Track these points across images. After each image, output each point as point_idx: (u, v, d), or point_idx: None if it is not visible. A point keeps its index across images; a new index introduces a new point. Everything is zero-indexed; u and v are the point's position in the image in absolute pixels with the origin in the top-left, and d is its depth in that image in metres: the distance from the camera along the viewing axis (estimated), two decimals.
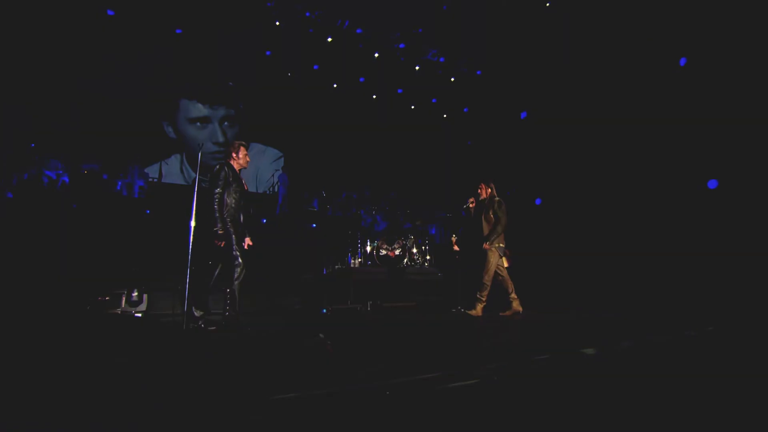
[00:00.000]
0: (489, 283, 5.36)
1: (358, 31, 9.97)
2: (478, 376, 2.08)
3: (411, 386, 1.89)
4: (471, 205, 5.87)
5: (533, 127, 9.64)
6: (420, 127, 12.00)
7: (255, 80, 10.36)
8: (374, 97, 11.51)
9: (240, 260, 4.17)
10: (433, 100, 11.85)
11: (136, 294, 6.36)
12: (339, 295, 7.21)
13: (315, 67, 10.65)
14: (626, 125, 7.58)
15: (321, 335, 2.76)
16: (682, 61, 7.11)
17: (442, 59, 10.78)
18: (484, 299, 5.36)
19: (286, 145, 10.86)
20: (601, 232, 7.67)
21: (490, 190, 5.67)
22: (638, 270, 6.85)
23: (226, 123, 10.24)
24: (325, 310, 4.16)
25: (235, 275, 4.18)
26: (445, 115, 12.01)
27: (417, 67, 10.86)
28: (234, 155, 4.38)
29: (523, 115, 10.12)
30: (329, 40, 9.90)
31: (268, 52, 10.09)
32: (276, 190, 10.10)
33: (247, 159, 4.44)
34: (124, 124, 8.85)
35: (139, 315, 6.22)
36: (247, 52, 9.93)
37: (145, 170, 9.00)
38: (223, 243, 4.08)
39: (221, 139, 10.10)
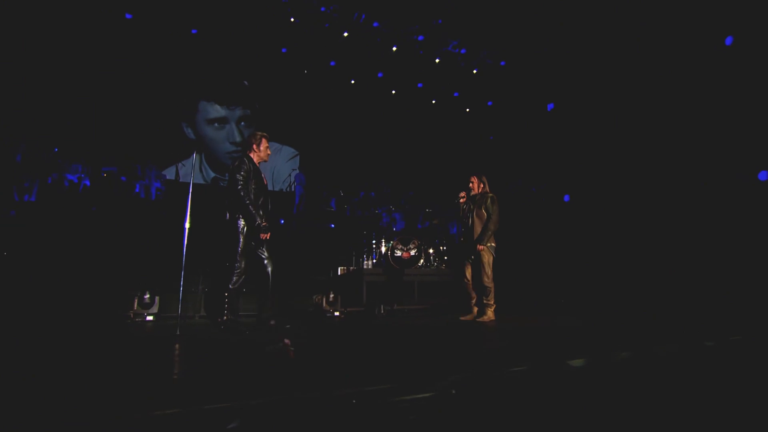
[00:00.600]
0: (492, 285, 5.14)
1: (375, 24, 9.84)
2: (436, 389, 1.93)
3: (356, 397, 1.79)
4: (461, 200, 5.55)
5: (561, 120, 9.28)
6: (441, 123, 11.83)
7: (271, 79, 10.40)
8: (393, 92, 11.37)
9: (242, 265, 4.06)
10: (455, 94, 11.60)
11: (148, 296, 6.48)
12: (352, 297, 7.17)
13: (332, 63, 10.61)
14: (666, 115, 7.15)
15: (286, 341, 2.70)
16: (728, 41, 6.58)
17: (463, 50, 10.50)
18: (492, 302, 5.16)
19: (303, 143, 10.84)
20: (637, 232, 7.27)
21: (482, 184, 5.37)
22: (684, 273, 6.44)
23: (242, 123, 10.35)
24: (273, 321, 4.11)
25: (232, 281, 4.07)
26: (468, 109, 11.75)
27: (437, 60, 10.65)
28: (255, 147, 4.28)
29: (550, 106, 9.75)
30: (345, 35, 9.83)
31: (284, 50, 10.11)
32: (293, 189, 10.14)
33: (269, 152, 4.32)
34: (143, 126, 9.08)
35: (151, 318, 6.34)
36: (263, 50, 9.98)
37: (162, 172, 9.20)
38: (269, 235, 4.00)
39: (238, 138, 10.23)
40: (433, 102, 11.69)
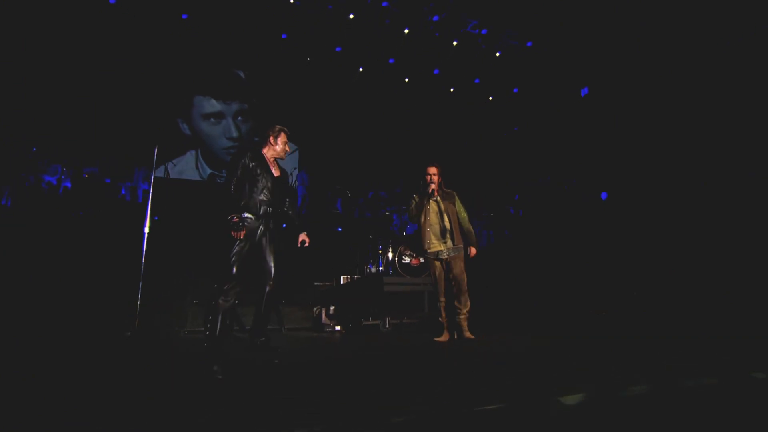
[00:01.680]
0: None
1: (384, 4, 9.15)
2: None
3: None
4: (436, 192, 4.73)
5: (597, 106, 8.44)
6: (461, 113, 11.02)
7: (270, 68, 9.86)
8: (406, 80, 10.66)
9: (232, 272, 3.51)
10: (476, 81, 10.80)
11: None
12: (359, 308, 6.60)
13: (337, 49, 9.97)
14: (716, 102, 6.25)
15: (215, 368, 2.57)
16: None
17: (484, 31, 9.70)
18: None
19: (306, 139, 10.28)
20: (685, 234, 6.38)
21: (440, 177, 4.73)
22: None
23: (240, 118, 10.05)
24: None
25: (222, 293, 3.50)
26: (490, 98, 10.95)
27: (455, 43, 9.88)
28: (271, 140, 3.95)
29: (584, 91, 8.91)
30: (351, 17, 9.18)
31: (284, 35, 9.52)
32: (294, 189, 9.64)
33: (287, 148, 3.99)
34: (129, 124, 8.65)
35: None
36: (260, 36, 9.42)
37: (152, 173, 8.77)
38: (242, 234, 3.52)
39: (235, 134, 9.90)
40: (452, 90, 10.93)
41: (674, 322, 5.61)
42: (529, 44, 9.78)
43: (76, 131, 7.91)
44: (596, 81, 8.65)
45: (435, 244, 4.58)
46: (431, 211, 4.63)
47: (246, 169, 3.77)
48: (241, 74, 10.18)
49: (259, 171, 3.79)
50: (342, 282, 7.28)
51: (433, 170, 4.70)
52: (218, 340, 3.47)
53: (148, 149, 8.86)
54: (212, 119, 9.95)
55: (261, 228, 3.72)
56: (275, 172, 3.94)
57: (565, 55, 9.09)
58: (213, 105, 9.99)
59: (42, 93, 7.85)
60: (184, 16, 8.81)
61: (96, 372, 3.19)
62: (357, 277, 7.04)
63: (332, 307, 6.61)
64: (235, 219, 3.56)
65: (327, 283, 7.43)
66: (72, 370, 3.23)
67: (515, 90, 10.58)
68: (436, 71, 10.61)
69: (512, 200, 9.05)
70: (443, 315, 4.60)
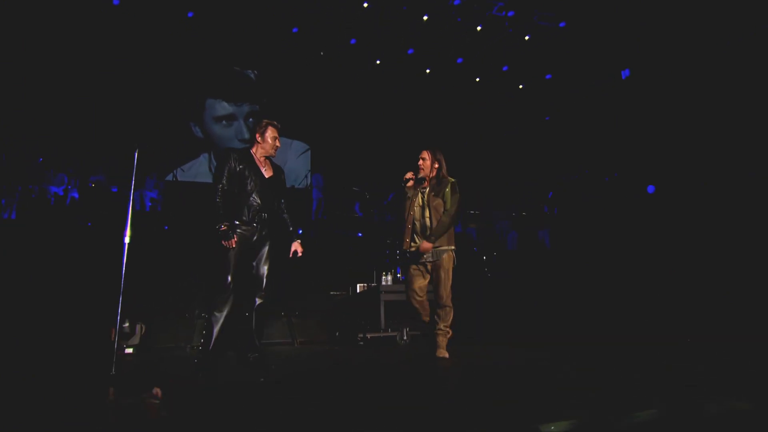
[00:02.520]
0: (451, 305, 4.00)
1: None
2: None
3: None
4: (409, 184, 4.14)
5: (640, 89, 7.77)
6: (488, 104, 10.46)
7: (281, 65, 9.65)
8: (427, 71, 10.19)
9: (229, 280, 3.34)
10: (504, 68, 10.22)
11: (127, 325, 5.83)
12: (373, 317, 6.25)
13: (352, 41, 9.61)
14: None
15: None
16: None
17: (511, 13, 9.12)
18: (450, 330, 3.98)
19: (319, 139, 10.11)
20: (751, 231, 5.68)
21: (437, 164, 4.05)
22: None
23: (251, 119, 10.11)
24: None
25: (216, 305, 3.32)
26: (521, 86, 10.36)
27: (479, 28, 9.34)
28: (258, 138, 3.66)
29: (626, 73, 8.24)
30: (365, 5, 8.80)
31: (294, 29, 9.25)
32: (309, 191, 9.41)
33: (277, 144, 3.67)
34: (140, 129, 8.58)
35: (130, 350, 5.70)
36: (270, 31, 9.18)
37: (160, 181, 8.72)
38: (233, 242, 3.34)
39: (247, 135, 9.93)
40: (477, 80, 10.39)
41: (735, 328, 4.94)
42: (562, 24, 9.15)
43: (81, 138, 7.85)
44: (639, 61, 7.99)
45: (416, 243, 4.01)
46: (416, 204, 4.05)
47: (233, 173, 3.51)
48: (252, 75, 10.23)
49: (247, 173, 3.52)
50: (359, 291, 6.97)
51: (422, 154, 4.11)
52: (211, 355, 3.29)
53: (159, 155, 8.89)
54: (224, 121, 10.05)
55: (254, 235, 3.48)
56: (266, 173, 3.63)
57: (603, 34, 8.43)
58: (224, 107, 10.10)
59: (46, 99, 7.83)
60: (189, 14, 8.66)
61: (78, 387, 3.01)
62: (373, 285, 6.69)
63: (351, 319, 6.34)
64: (224, 227, 3.33)
65: (344, 293, 7.12)
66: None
67: (548, 76, 9.97)
68: (459, 60, 10.10)
69: (545, 197, 8.44)
70: (423, 318, 4.09)
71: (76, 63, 8.03)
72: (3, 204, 7.06)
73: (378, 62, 9.96)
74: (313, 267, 7.67)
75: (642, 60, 7.95)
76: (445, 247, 3.93)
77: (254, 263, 3.52)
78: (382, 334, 5.90)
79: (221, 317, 3.34)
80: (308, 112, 9.82)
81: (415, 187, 4.08)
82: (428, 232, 3.92)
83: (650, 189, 7.53)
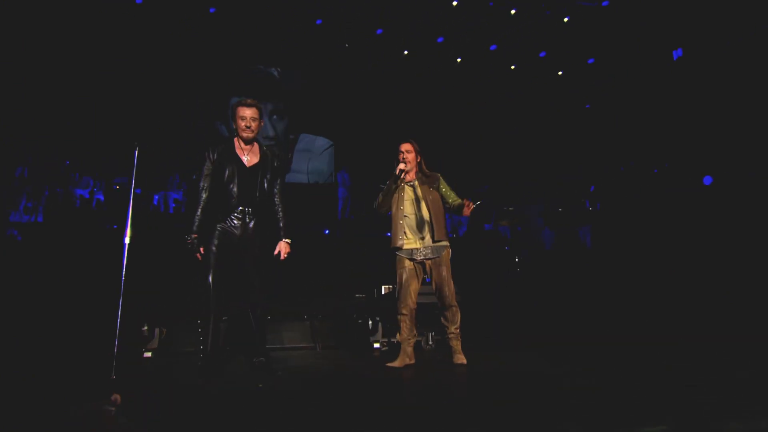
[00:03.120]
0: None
1: None
2: None
3: None
4: (405, 174, 3.86)
5: (693, 70, 7.17)
6: (524, 93, 10.00)
7: (305, 59, 9.56)
8: (458, 60, 9.82)
9: (210, 281, 3.19)
10: (541, 54, 9.72)
11: (146, 328, 5.79)
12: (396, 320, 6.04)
13: (378, 31, 9.37)
14: None
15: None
16: None
17: None
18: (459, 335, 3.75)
19: (343, 135, 9.98)
20: None
21: (419, 156, 3.88)
22: None
23: (275, 117, 10.17)
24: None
25: (203, 309, 3.23)
26: (560, 72, 9.83)
27: (513, 11, 8.90)
28: (232, 123, 3.42)
29: (678, 53, 7.64)
30: None
31: (318, 21, 9.10)
32: (334, 190, 9.29)
33: (252, 124, 3.28)
34: (163, 130, 8.66)
35: (149, 354, 5.67)
36: (293, 24, 9.07)
37: (183, 182, 8.76)
38: (199, 256, 3.22)
39: (271, 133, 9.99)
40: (513, 68, 9.94)
41: None
42: (605, 3, 8.60)
43: (106, 141, 7.94)
44: (692, 40, 7.38)
45: (409, 240, 3.77)
46: (405, 198, 3.84)
47: (212, 165, 3.28)
48: (275, 72, 10.26)
49: (225, 163, 3.26)
50: (384, 292, 6.77)
51: (406, 147, 3.87)
52: (213, 360, 3.22)
53: (183, 156, 8.95)
54: None
55: (238, 230, 3.27)
56: (249, 161, 3.34)
57: (652, 11, 7.85)
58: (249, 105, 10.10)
59: (71, 103, 7.97)
60: (212, 10, 8.66)
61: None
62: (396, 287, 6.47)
63: (370, 323, 6.12)
64: (189, 241, 3.19)
65: (366, 295, 6.93)
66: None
67: (590, 61, 9.41)
68: (493, 47, 9.68)
69: (587, 191, 7.91)
70: (403, 332, 3.78)
71: (99, 66, 8.14)
72: (30, 207, 7.24)
73: (406, 53, 9.68)
74: (339, 268, 7.53)
75: (695, 39, 7.34)
76: (445, 242, 3.73)
77: (243, 266, 3.30)
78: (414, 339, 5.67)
79: (209, 321, 3.22)
80: (333, 107, 9.70)
81: (394, 181, 3.84)
82: (426, 227, 3.73)
83: (707, 180, 6.93)
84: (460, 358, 3.65)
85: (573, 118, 9.13)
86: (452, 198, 3.89)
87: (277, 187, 3.42)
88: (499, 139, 9.61)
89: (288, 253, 3.39)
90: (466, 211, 3.72)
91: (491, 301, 5.36)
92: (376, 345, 5.79)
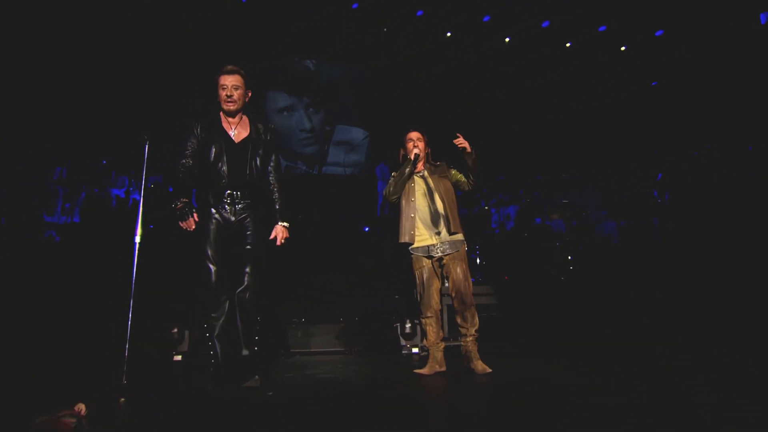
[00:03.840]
0: None
1: None
2: None
3: None
4: (421, 161, 3.64)
5: None
6: (581, 71, 9.32)
7: (339, 48, 9.40)
8: (507, 40, 9.24)
9: (212, 278, 2.94)
10: (600, 29, 8.96)
11: (176, 331, 5.72)
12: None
13: (419, 13, 8.96)
14: None
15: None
16: None
17: None
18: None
19: (380, 125, 9.66)
20: None
21: (428, 147, 3.70)
22: None
23: (311, 109, 10.21)
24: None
25: (209, 309, 2.99)
26: (623, 48, 9.05)
27: None
28: (217, 98, 3.11)
29: (765, 17, 6.79)
30: None
31: (354, 5, 8.81)
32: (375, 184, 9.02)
33: (233, 93, 2.99)
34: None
35: (179, 357, 5.61)
36: (328, 13, 8.85)
37: None
38: (191, 224, 2.91)
39: (308, 125, 10.04)
40: (568, 45, 9.24)
41: None
42: None
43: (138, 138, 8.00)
44: None
45: (424, 236, 3.52)
46: (416, 190, 3.59)
47: (198, 141, 3.00)
48: (310, 65, 10.27)
49: (210, 138, 3.00)
50: None
51: (416, 135, 3.70)
52: (222, 366, 2.98)
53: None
54: (285, 112, 10.16)
55: (232, 216, 2.99)
56: (238, 135, 3.06)
57: None
58: (285, 98, 10.20)
59: (109, 103, 8.10)
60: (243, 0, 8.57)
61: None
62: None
63: (407, 325, 5.80)
64: (179, 205, 2.87)
65: (401, 297, 6.61)
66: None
67: (658, 33, 8.58)
68: (545, 24, 9.02)
69: (654, 180, 7.14)
70: (430, 336, 3.58)
71: (133, 67, 8.22)
72: (67, 208, 7.38)
73: (449, 35, 9.22)
74: (379, 268, 7.24)
75: None
76: (461, 236, 3.52)
77: (238, 247, 3.03)
78: (445, 344, 5.30)
79: (217, 323, 2.97)
80: (368, 95, 9.46)
81: (408, 166, 3.62)
82: (441, 221, 3.49)
83: None
84: (482, 366, 3.40)
85: (637, 96, 8.34)
86: (468, 184, 3.68)
87: (272, 164, 3.13)
88: (550, 124, 8.97)
89: (286, 239, 3.10)
90: (460, 143, 3.54)
91: (535, 298, 4.97)
92: (415, 350, 5.50)
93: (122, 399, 2.73)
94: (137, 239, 3.67)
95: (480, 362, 3.41)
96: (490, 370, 3.36)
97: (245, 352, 3.04)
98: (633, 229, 6.57)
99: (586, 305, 5.23)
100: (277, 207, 3.12)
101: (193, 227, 2.89)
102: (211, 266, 2.96)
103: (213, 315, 2.98)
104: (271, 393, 2.90)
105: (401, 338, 5.70)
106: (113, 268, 6.53)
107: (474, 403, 2.79)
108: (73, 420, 2.16)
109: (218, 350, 2.98)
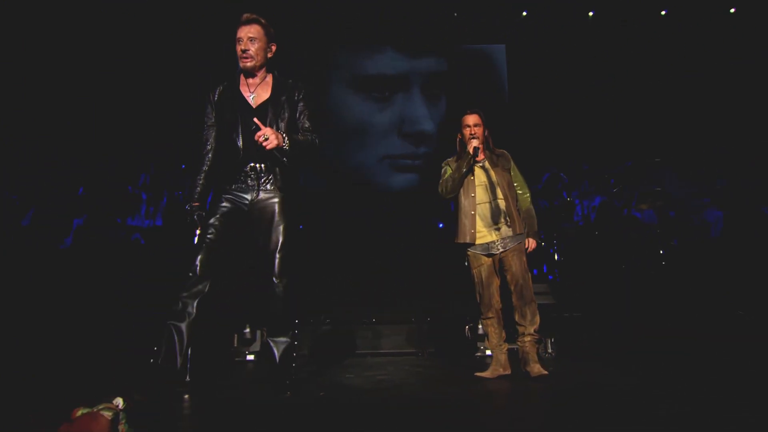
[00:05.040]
0: None
1: None
2: None
3: None
4: (480, 151, 3.37)
5: None
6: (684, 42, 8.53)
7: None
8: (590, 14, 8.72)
9: (196, 262, 2.57)
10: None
11: (248, 331, 6.01)
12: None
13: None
14: None
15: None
16: None
17: None
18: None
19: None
20: None
21: (487, 131, 3.46)
22: None
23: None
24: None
25: (181, 292, 2.65)
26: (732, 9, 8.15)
27: None
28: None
29: None
30: None
31: None
32: None
33: (248, 47, 2.57)
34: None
35: (251, 357, 5.88)
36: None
37: None
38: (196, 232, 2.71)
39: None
40: (663, 13, 8.53)
41: None
42: None
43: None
44: None
45: (484, 233, 3.39)
46: (476, 184, 3.42)
47: (214, 111, 2.69)
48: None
49: (226, 104, 2.65)
50: None
51: (474, 119, 3.45)
52: (168, 365, 2.58)
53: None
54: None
55: (249, 193, 2.64)
56: (255, 99, 2.66)
57: None
58: None
59: (186, 108, 8.64)
60: None
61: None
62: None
63: (480, 326, 5.72)
64: (196, 203, 2.70)
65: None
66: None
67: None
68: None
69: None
70: (492, 338, 3.49)
71: (206, 69, 8.65)
72: (151, 212, 8.00)
73: (525, 14, 8.88)
74: (454, 266, 7.14)
75: None
76: (522, 233, 3.42)
77: (259, 234, 2.64)
78: (509, 345, 5.17)
79: (177, 311, 2.55)
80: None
81: (468, 160, 3.39)
82: (501, 217, 3.36)
83: None
84: (538, 368, 3.27)
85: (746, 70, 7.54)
86: (518, 187, 3.50)
87: (305, 131, 2.69)
88: (646, 106, 8.31)
89: (277, 146, 2.51)
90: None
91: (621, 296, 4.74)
92: (489, 352, 5.40)
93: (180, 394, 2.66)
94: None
95: (537, 365, 3.27)
96: (546, 373, 3.23)
97: (283, 339, 2.72)
98: (739, 219, 5.95)
99: (679, 302, 4.86)
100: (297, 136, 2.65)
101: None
102: (200, 250, 2.62)
103: (177, 304, 2.60)
104: (288, 394, 2.68)
105: (474, 340, 5.62)
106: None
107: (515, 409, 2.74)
108: (110, 414, 2.14)
109: (164, 347, 2.56)
